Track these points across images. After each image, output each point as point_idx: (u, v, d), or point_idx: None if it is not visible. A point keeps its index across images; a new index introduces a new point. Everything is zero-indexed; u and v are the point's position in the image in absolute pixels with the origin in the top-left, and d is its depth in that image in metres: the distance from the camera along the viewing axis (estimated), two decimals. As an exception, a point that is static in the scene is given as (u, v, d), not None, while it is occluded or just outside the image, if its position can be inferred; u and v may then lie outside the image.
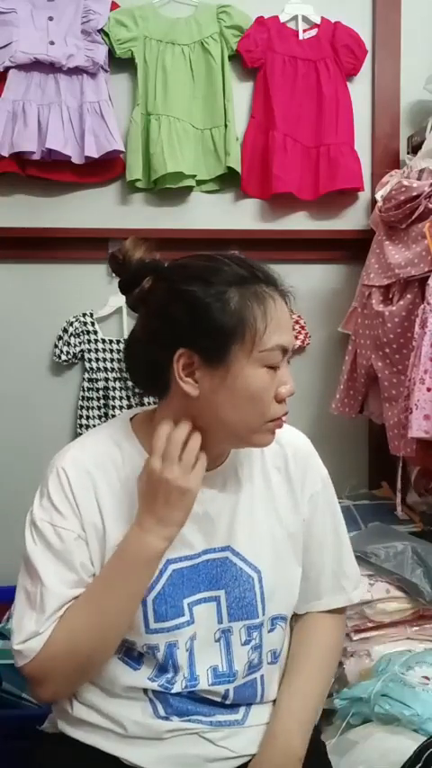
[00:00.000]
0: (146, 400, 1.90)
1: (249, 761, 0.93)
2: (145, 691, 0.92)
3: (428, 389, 1.39)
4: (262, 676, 0.97)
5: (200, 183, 1.92)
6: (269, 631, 0.96)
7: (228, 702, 0.95)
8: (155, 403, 0.98)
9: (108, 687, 0.93)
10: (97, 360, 1.93)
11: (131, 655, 0.93)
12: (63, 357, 1.92)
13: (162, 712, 0.92)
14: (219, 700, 0.94)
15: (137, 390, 1.90)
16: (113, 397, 1.91)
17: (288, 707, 0.96)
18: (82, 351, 1.93)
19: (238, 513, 0.95)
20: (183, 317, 0.84)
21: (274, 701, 0.99)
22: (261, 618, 0.94)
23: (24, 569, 0.90)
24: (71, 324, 1.92)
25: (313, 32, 1.92)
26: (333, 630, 1.05)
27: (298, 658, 1.01)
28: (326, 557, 1.02)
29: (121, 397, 1.91)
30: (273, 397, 0.87)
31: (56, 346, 1.93)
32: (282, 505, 0.99)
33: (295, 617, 1.05)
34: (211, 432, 0.89)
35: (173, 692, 0.91)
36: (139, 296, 0.90)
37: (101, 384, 1.92)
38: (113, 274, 0.93)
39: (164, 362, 0.87)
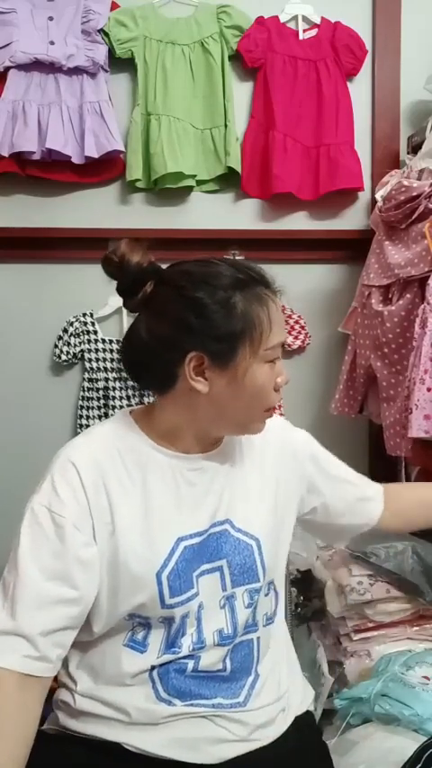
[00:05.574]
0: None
1: (246, 752, 0.94)
2: (152, 669, 0.94)
3: (428, 389, 1.39)
4: (258, 639, 1.01)
5: (200, 183, 1.93)
6: (265, 595, 1.03)
7: (226, 674, 0.96)
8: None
9: (112, 677, 0.94)
10: (97, 360, 1.93)
11: (136, 639, 0.95)
12: (63, 357, 1.92)
13: (164, 694, 0.93)
14: (219, 667, 0.96)
15: (137, 390, 1.91)
16: (113, 397, 1.91)
17: None
18: (82, 351, 1.93)
19: (236, 489, 1.01)
20: (193, 323, 0.89)
21: (270, 698, 1.00)
22: (261, 582, 1.00)
23: (10, 557, 0.90)
24: (71, 324, 1.92)
25: (313, 32, 1.93)
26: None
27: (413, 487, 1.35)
28: (350, 478, 1.20)
29: (121, 397, 1.91)
30: (272, 387, 0.94)
31: (56, 346, 1.93)
32: (271, 482, 1.05)
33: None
34: (213, 422, 0.96)
35: (181, 655, 0.94)
36: (142, 300, 0.93)
37: (101, 384, 1.92)
38: (109, 277, 0.94)
39: (172, 363, 0.91)
